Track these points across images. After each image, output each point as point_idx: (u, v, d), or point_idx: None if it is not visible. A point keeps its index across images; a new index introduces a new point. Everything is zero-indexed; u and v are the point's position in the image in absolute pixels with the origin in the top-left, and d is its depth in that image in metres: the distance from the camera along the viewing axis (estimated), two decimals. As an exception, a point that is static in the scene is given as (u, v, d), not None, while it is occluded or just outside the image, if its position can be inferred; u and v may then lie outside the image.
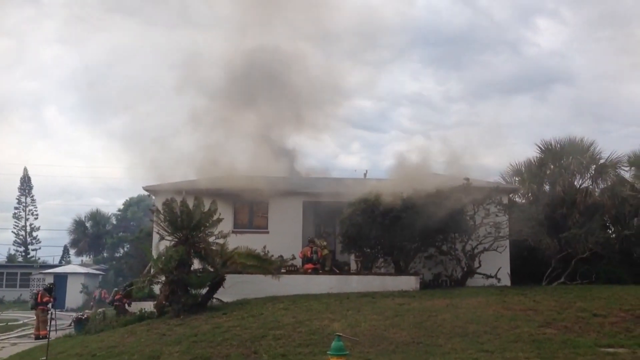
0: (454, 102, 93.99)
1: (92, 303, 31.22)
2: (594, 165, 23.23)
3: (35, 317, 19.76)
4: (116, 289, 22.45)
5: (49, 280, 32.92)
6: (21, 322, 25.85)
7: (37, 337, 18.15)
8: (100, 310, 21.19)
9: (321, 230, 21.53)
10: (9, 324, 24.51)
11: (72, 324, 19.78)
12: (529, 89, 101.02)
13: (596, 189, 23.15)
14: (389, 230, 18.53)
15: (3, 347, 16.75)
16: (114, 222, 54.14)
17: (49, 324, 18.40)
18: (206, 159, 20.92)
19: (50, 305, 19.36)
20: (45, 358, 11.27)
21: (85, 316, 19.70)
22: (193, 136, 21.24)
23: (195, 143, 21.20)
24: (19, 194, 60.05)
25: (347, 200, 19.94)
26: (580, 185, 23.11)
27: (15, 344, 17.51)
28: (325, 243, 20.54)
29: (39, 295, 19.65)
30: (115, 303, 18.00)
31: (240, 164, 20.99)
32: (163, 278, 16.06)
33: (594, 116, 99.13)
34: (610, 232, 23.01)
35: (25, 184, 60.21)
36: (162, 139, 20.77)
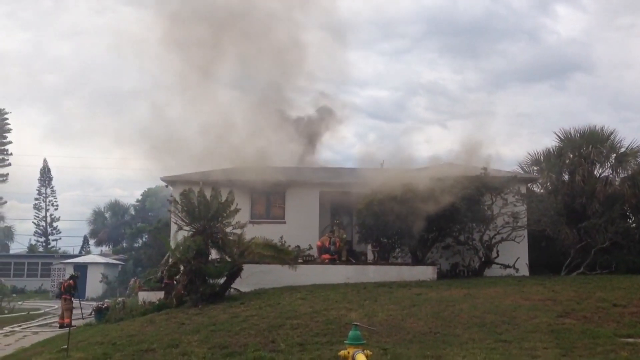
0: (471, 91, 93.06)
1: (127, 291, 31.72)
2: (614, 154, 22.96)
3: (60, 306, 20.15)
4: (164, 268, 22.59)
5: (70, 270, 33.42)
6: (42, 311, 26.33)
7: (62, 326, 18.46)
8: (120, 299, 21.44)
9: (335, 220, 21.50)
10: (31, 313, 24.97)
11: (93, 313, 20.08)
12: (548, 77, 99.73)
13: (616, 178, 22.90)
14: (406, 220, 18.43)
15: (25, 335, 17.08)
16: (133, 212, 54.80)
17: (71, 312, 18.71)
18: (220, 148, 20.82)
19: (73, 293, 19.68)
20: (66, 346, 11.43)
21: (105, 305, 19.99)
22: (204, 125, 21.04)
23: (206, 131, 21.03)
24: (39, 185, 61.01)
25: (363, 190, 19.88)
26: (600, 175, 22.86)
27: (37, 332, 17.85)
28: (345, 235, 20.55)
29: (63, 285, 20.00)
30: (166, 281, 18.11)
31: (255, 149, 20.84)
32: (181, 268, 16.20)
33: (614, 104, 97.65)
34: (630, 221, 22.73)
35: (45, 175, 61.06)
36: (171, 130, 20.66)
